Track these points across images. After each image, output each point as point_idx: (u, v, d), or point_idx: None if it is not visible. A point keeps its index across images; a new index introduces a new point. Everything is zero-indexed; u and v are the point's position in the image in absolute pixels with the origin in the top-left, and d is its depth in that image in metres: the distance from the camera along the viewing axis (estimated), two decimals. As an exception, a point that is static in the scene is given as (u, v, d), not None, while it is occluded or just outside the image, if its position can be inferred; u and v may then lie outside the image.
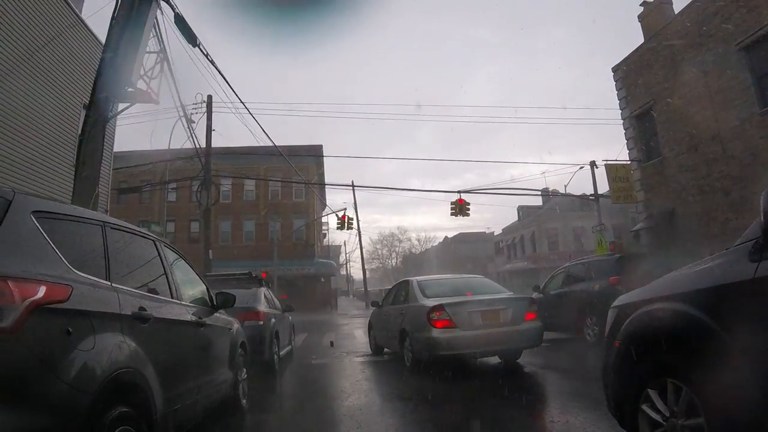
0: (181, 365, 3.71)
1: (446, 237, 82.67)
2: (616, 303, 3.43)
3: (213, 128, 19.46)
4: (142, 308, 3.10)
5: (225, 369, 4.99)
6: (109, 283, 2.91)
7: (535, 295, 11.91)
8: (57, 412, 2.19)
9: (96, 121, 8.65)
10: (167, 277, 3.92)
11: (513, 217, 57.40)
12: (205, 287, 4.99)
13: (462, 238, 74.18)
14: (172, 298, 3.88)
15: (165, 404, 3.14)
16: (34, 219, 2.53)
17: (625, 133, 19.35)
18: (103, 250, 3.04)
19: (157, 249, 3.95)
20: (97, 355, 2.49)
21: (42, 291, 2.24)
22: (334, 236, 68.17)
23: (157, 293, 3.63)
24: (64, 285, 2.41)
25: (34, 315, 2.16)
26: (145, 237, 3.89)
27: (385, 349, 10.24)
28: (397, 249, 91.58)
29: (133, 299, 3.09)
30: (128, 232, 3.58)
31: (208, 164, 18.66)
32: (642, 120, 18.45)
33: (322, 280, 42.03)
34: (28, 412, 2.07)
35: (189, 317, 4.05)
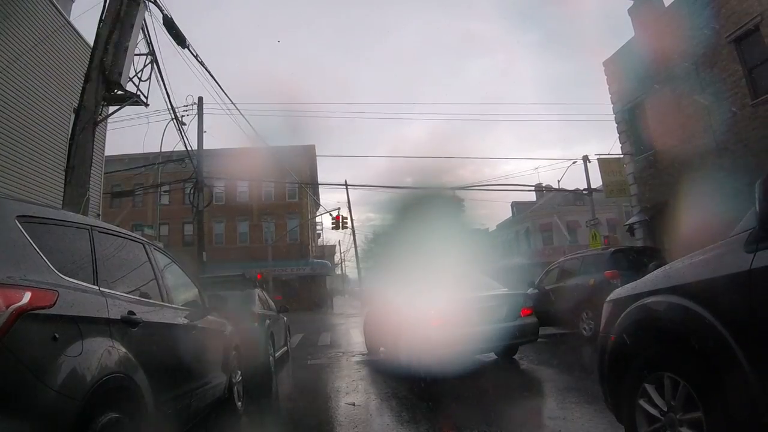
0: (173, 369, 3.66)
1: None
2: (611, 297, 3.40)
3: (204, 130, 19.41)
4: (131, 312, 3.06)
5: (219, 372, 4.94)
6: (97, 288, 2.86)
7: (530, 290, 11.92)
8: (45, 419, 2.15)
9: (85, 124, 8.59)
10: (157, 281, 3.88)
11: (507, 213, 57.38)
12: (197, 290, 4.95)
13: (457, 235, 74.02)
14: (162, 301, 3.83)
15: (157, 409, 3.09)
16: (18, 224, 2.49)
17: (617, 127, 19.37)
18: (90, 254, 2.99)
19: (146, 252, 3.90)
20: (86, 360, 2.44)
21: (27, 297, 2.19)
22: (329, 236, 68.07)
23: (147, 297, 3.59)
24: (50, 290, 2.36)
25: (20, 321, 2.12)
26: (134, 240, 3.84)
27: (381, 348, 10.20)
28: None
29: (122, 303, 3.04)
30: (116, 235, 3.53)
31: (200, 166, 18.59)
32: (634, 113, 18.45)
33: (318, 278, 41.93)
34: (15, 419, 2.03)
35: (180, 320, 4.00)
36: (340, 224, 33.56)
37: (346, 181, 42.03)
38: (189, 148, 17.42)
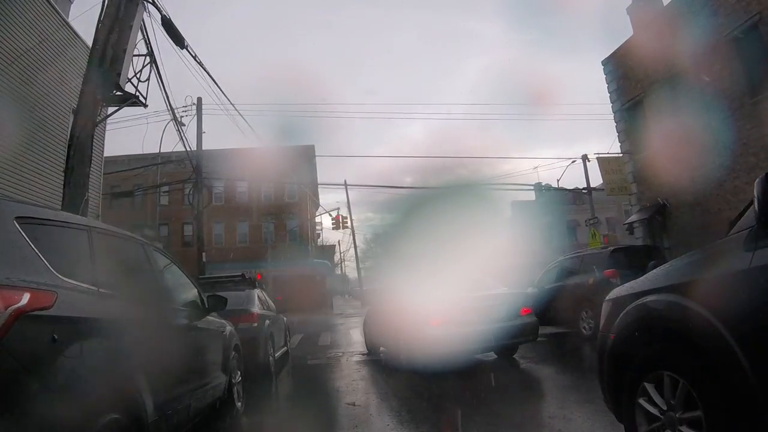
0: (172, 369, 3.65)
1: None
2: (610, 296, 3.40)
3: (204, 130, 19.44)
4: (130, 313, 3.05)
5: (218, 372, 4.94)
6: (96, 289, 2.85)
7: (529, 289, 11.90)
8: (44, 420, 2.14)
9: (85, 125, 8.58)
10: (156, 281, 3.87)
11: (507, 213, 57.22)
12: (196, 290, 4.94)
13: (456, 235, 73.82)
14: (161, 301, 3.83)
15: (157, 409, 3.09)
16: (17, 225, 2.48)
17: (616, 126, 19.35)
18: (89, 254, 2.98)
19: (145, 253, 3.89)
20: (85, 361, 2.44)
21: (26, 298, 2.19)
22: (329, 236, 67.70)
23: (147, 297, 3.59)
24: (48, 291, 2.36)
25: (19, 323, 2.11)
26: (132, 241, 3.84)
27: (381, 348, 10.20)
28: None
29: (121, 304, 3.04)
30: (115, 236, 3.52)
31: (199, 167, 18.59)
32: (633, 112, 18.43)
33: (318, 278, 41.87)
34: (14, 421, 2.02)
35: (180, 321, 4.00)
36: (340, 224, 33.56)
37: (345, 181, 41.96)
38: (188, 149, 17.42)
